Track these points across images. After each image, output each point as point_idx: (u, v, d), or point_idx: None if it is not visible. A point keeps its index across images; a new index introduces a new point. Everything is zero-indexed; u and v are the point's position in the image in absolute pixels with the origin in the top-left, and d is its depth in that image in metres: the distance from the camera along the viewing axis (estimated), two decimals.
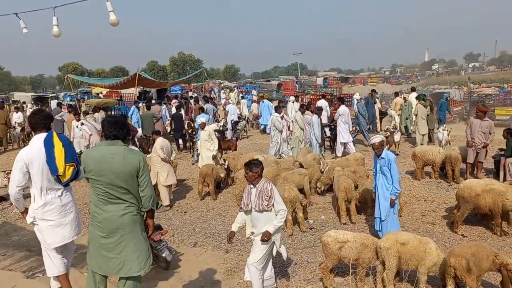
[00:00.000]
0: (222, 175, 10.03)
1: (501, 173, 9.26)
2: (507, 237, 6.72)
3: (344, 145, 12.72)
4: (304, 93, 30.44)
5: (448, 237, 6.89)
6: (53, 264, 4.44)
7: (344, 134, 12.55)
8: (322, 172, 9.26)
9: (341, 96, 20.55)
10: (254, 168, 4.82)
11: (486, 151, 9.68)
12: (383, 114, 17.93)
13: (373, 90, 18.40)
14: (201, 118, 11.18)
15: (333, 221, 7.89)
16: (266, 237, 4.78)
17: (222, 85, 49.99)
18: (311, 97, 25.60)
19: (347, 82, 61.53)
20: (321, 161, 9.75)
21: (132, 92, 23.18)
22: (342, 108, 12.66)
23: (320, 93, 24.20)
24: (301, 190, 8.31)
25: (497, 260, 4.72)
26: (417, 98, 14.77)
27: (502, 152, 9.55)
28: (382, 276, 5.08)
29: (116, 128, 3.86)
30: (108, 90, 25.64)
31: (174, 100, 18.41)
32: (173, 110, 15.73)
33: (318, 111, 12.06)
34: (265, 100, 20.06)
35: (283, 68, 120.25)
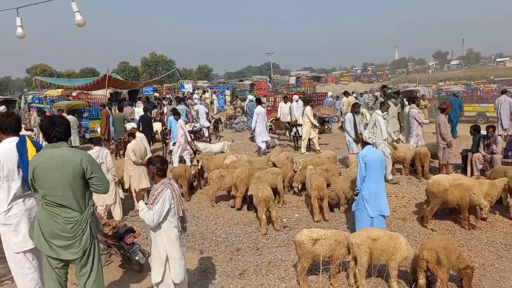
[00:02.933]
0: (193, 172, 9.93)
1: (469, 168, 9.54)
2: (475, 231, 6.92)
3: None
4: (277, 93, 30.54)
5: (418, 232, 7.03)
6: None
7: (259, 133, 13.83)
8: (295, 171, 9.31)
9: (286, 95, 19.96)
10: (150, 166, 4.46)
11: None
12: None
13: (384, 86, 17.49)
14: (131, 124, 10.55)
15: (306, 219, 7.94)
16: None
17: (196, 85, 49.65)
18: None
19: (319, 81, 62.18)
20: (293, 160, 9.80)
21: (103, 93, 22.69)
22: (258, 108, 14.07)
23: (293, 93, 24.36)
24: (275, 190, 8.34)
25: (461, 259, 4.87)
26: (387, 96, 15.05)
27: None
28: (354, 271, 5.15)
29: (55, 128, 3.79)
30: (78, 92, 25.04)
31: (138, 102, 18.10)
32: (140, 112, 15.37)
33: (355, 108, 11.27)
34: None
35: (256, 68, 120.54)
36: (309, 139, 13.73)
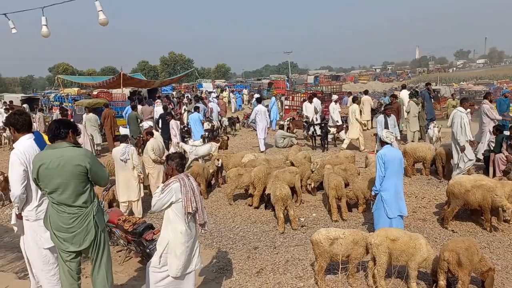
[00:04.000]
0: (211, 170, 9.99)
1: (491, 169, 9.34)
2: (497, 233, 6.78)
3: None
4: (295, 92, 30.48)
5: (439, 233, 6.93)
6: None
7: (261, 131, 14.03)
8: (313, 171, 9.27)
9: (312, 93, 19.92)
10: (169, 161, 4.52)
11: None
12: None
13: (429, 83, 16.84)
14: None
15: (324, 218, 7.91)
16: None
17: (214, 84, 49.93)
18: (302, 95, 25.63)
19: (338, 80, 61.74)
20: (311, 160, 9.77)
21: (123, 92, 23.03)
22: (258, 107, 14.28)
23: (311, 92, 24.26)
24: (293, 189, 8.33)
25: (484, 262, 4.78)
26: (409, 96, 14.84)
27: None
28: (373, 272, 5.10)
29: (52, 129, 3.91)
30: (98, 90, 25.50)
31: (157, 101, 18.31)
32: (160, 111, 15.54)
33: (386, 109, 10.75)
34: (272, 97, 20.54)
35: (274, 67, 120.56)
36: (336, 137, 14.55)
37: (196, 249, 4.59)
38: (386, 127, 10.18)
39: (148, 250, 6.01)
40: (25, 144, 4.28)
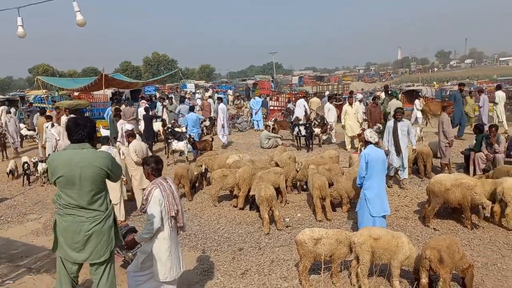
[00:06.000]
0: (196, 173, 9.95)
1: (471, 168, 9.51)
2: (477, 230, 6.92)
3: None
4: (280, 92, 30.58)
5: (421, 231, 7.04)
6: None
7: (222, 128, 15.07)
8: (297, 171, 9.32)
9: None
10: (145, 166, 4.47)
11: None
12: None
13: (462, 84, 16.30)
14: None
15: (309, 218, 7.95)
16: (128, 244, 4.52)
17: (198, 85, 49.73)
18: (287, 96, 25.73)
19: (322, 80, 62.09)
20: (296, 160, 9.81)
21: (104, 93, 22.71)
22: (222, 105, 15.22)
23: (300, 93, 24.38)
24: (277, 189, 8.35)
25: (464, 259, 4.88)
26: (389, 95, 15.01)
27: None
28: (356, 270, 5.15)
29: (78, 130, 3.81)
30: (79, 92, 25.07)
31: (142, 102, 18.15)
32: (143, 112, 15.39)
33: (396, 113, 9.18)
34: (256, 97, 20.62)
35: (259, 68, 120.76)
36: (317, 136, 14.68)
37: (179, 252, 4.57)
38: (396, 133, 8.89)
39: (131, 254, 5.96)
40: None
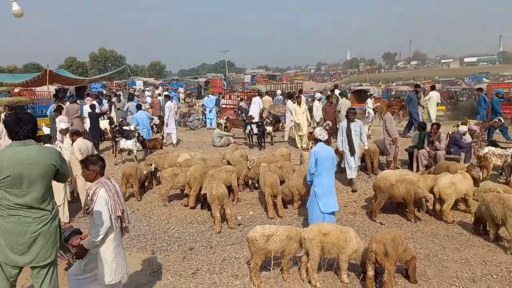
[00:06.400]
0: (145, 172, 9.69)
1: (414, 164, 9.96)
2: (420, 223, 7.24)
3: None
4: (232, 91, 30.54)
5: (368, 226, 7.26)
6: None
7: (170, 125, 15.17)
8: (249, 169, 9.33)
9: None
10: (90, 166, 4.18)
11: None
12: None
13: (417, 85, 16.54)
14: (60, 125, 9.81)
15: (260, 216, 7.98)
16: (78, 254, 4.21)
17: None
18: (239, 94, 25.74)
19: (274, 79, 62.77)
20: (248, 158, 9.82)
21: (47, 90, 21.64)
22: (169, 103, 15.10)
23: (252, 91, 24.50)
24: (229, 187, 8.31)
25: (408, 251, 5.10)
26: (340, 94, 15.39)
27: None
28: (306, 266, 5.22)
29: (22, 126, 3.59)
30: (20, 88, 23.74)
31: (87, 99, 17.48)
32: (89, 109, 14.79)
33: (349, 114, 9.21)
34: (210, 95, 20.53)
35: (211, 66, 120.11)
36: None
37: (123, 253, 4.42)
38: (349, 134, 8.91)
39: (75, 257, 5.71)
40: None
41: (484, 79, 43.66)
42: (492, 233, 6.30)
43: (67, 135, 9.10)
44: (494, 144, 9.80)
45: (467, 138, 10.33)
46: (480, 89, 16.79)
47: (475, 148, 10.02)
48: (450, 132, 11.64)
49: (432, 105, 16.52)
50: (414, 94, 14.94)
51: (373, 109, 19.32)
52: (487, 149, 9.15)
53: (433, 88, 17.67)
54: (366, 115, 18.74)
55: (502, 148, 9.36)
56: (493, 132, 13.50)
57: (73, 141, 8.66)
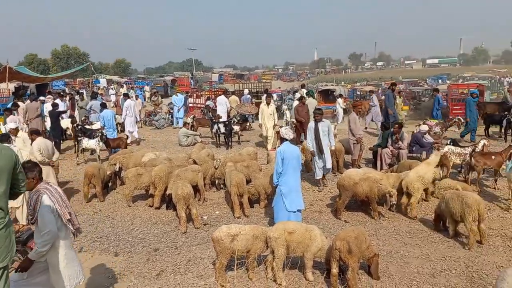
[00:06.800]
0: (109, 172, 9.44)
1: (378, 163, 10.18)
2: (383, 221, 7.40)
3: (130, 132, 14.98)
4: (199, 90, 30.30)
5: (333, 224, 7.36)
6: None
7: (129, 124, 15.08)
8: (216, 168, 9.27)
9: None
10: (29, 173, 3.84)
11: None
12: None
13: (393, 84, 16.49)
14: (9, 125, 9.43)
15: (227, 215, 7.94)
16: (22, 266, 3.88)
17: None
18: (206, 93, 25.57)
19: (242, 78, 62.71)
20: (214, 157, 9.75)
21: (5, 87, 20.72)
22: (128, 102, 15.25)
23: (219, 90, 24.39)
24: (196, 187, 8.24)
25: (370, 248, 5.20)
26: (306, 94, 15.54)
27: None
28: (271, 264, 5.23)
29: None
30: None
31: (48, 97, 16.87)
32: (50, 107, 14.27)
33: (315, 115, 9.15)
34: (179, 94, 20.33)
35: (178, 64, 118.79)
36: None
37: (76, 258, 4.26)
38: (317, 134, 8.84)
39: (19, 269, 5.49)
40: None
41: (444, 80, 45.28)
42: (451, 229, 6.52)
43: (18, 135, 8.71)
44: (455, 143, 10.14)
45: (429, 137, 10.65)
46: (437, 90, 17.21)
47: (436, 147, 10.34)
48: (414, 131, 11.94)
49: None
50: (391, 92, 14.88)
51: (344, 109, 19.63)
52: (447, 148, 9.47)
53: (388, 88, 18.22)
54: (336, 114, 19.06)
55: (461, 147, 9.71)
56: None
57: (32, 140, 8.34)
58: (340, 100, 19.80)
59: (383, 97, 17.26)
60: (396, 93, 15.53)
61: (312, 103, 14.11)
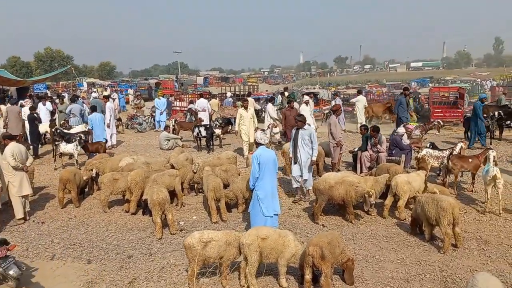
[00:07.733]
0: (85, 177, 9.26)
1: (358, 166, 10.19)
2: (360, 225, 7.38)
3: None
4: (183, 93, 30.11)
5: (311, 228, 7.31)
6: None
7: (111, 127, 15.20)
8: (194, 173, 9.16)
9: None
10: None
11: None
12: None
13: (406, 89, 16.16)
14: None
15: (204, 221, 7.83)
16: None
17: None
18: (190, 96, 25.39)
19: (227, 81, 62.60)
20: (193, 161, 9.64)
21: None
22: (108, 104, 15.46)
23: (199, 92, 24.21)
24: (173, 192, 8.12)
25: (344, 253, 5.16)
26: (287, 97, 15.52)
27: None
28: (245, 271, 5.15)
29: None
30: None
31: (26, 99, 16.55)
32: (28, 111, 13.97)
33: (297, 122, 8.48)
34: (161, 97, 20.15)
35: (164, 67, 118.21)
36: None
37: None
38: (295, 141, 8.31)
39: (1, 269, 5.34)
40: None
41: (426, 83, 45.83)
42: (427, 233, 6.53)
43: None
44: (434, 146, 10.19)
45: (406, 140, 10.72)
46: (406, 89, 16.94)
47: (416, 150, 10.39)
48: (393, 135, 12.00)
49: (359, 108, 17.33)
50: (403, 98, 14.35)
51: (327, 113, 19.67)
52: (425, 151, 9.52)
53: (359, 92, 18.81)
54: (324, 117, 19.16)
55: (439, 150, 9.77)
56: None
57: (5, 145, 8.15)
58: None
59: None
60: (409, 99, 15.30)
61: (305, 110, 13.44)
